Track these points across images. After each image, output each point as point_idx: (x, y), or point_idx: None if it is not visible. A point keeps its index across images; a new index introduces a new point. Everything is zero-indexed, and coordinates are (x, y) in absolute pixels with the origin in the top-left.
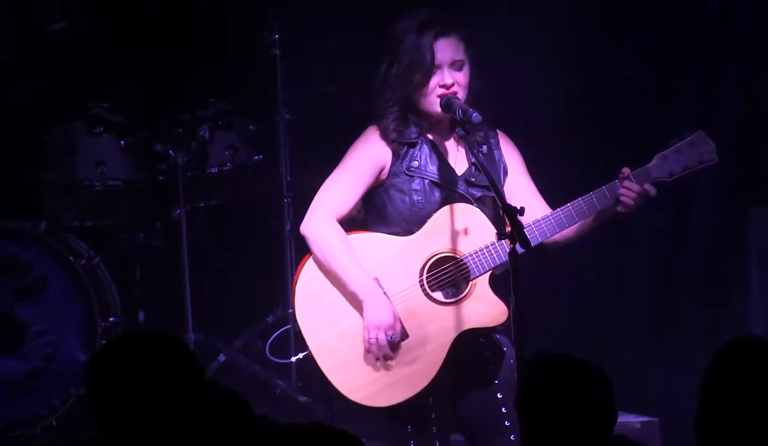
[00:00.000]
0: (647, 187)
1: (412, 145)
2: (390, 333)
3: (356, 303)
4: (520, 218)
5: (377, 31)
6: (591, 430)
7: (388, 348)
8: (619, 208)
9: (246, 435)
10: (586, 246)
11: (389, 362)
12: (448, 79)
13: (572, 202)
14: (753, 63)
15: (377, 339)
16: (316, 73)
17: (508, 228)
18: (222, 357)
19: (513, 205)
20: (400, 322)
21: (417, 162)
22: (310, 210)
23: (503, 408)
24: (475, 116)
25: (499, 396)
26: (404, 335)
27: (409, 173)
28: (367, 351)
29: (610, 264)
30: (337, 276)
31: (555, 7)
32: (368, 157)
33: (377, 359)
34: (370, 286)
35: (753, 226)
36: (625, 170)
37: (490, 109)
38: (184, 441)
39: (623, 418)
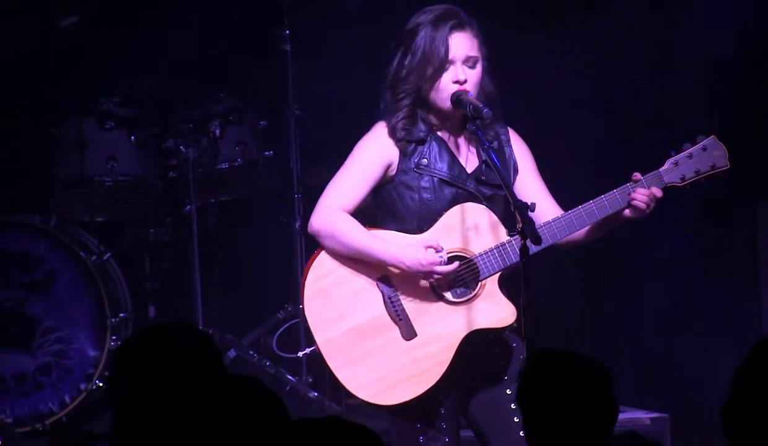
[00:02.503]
0: (654, 189)
1: (421, 143)
2: (438, 262)
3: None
4: (531, 215)
5: (388, 27)
6: (591, 425)
7: (452, 270)
8: (631, 213)
9: (272, 433)
10: (595, 244)
11: (397, 360)
12: (461, 74)
13: (583, 205)
14: (760, 57)
15: (436, 277)
16: (326, 69)
17: (519, 226)
18: (232, 353)
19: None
20: (431, 245)
21: (426, 159)
22: (317, 206)
23: (512, 405)
24: (486, 112)
25: (508, 392)
26: (413, 332)
27: (418, 171)
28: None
29: (620, 261)
30: (356, 251)
31: (572, 9)
32: (375, 153)
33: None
34: (392, 248)
35: (762, 221)
36: (637, 175)
37: (501, 107)
38: (201, 438)
39: (633, 414)
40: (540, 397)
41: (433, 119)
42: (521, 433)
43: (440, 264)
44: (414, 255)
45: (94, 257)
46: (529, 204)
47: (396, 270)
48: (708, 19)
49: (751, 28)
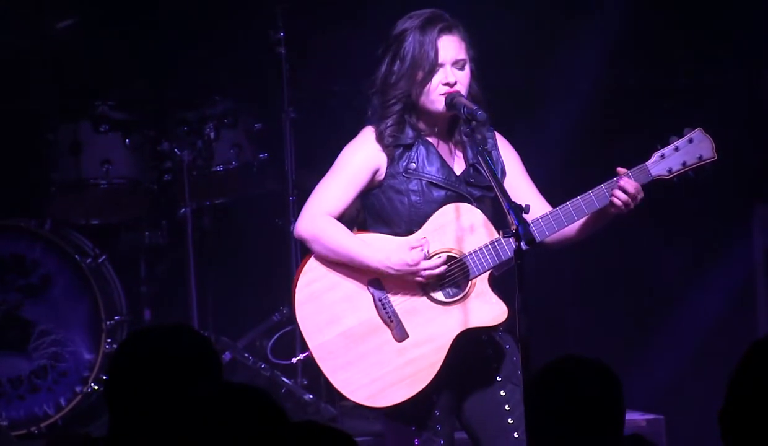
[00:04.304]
0: (631, 182)
1: (408, 148)
2: (425, 266)
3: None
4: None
5: (383, 30)
6: (601, 431)
7: (440, 268)
8: (612, 209)
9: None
10: (590, 244)
11: (390, 362)
12: (451, 77)
13: (571, 201)
14: (757, 60)
15: (425, 275)
16: (321, 72)
17: (513, 227)
18: (228, 356)
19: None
20: (416, 246)
21: (414, 164)
22: (303, 211)
23: (506, 406)
24: (480, 114)
25: (502, 393)
26: (404, 334)
27: (407, 175)
28: (436, 283)
29: (615, 263)
30: (343, 256)
31: (560, 7)
32: (362, 158)
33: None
34: (379, 252)
35: (758, 223)
36: (621, 170)
37: (489, 109)
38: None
39: (629, 416)
40: (549, 403)
41: (421, 125)
42: (515, 435)
43: (439, 269)
44: (401, 258)
45: (89, 260)
46: (524, 205)
47: (384, 274)
48: (706, 19)
49: (750, 29)
